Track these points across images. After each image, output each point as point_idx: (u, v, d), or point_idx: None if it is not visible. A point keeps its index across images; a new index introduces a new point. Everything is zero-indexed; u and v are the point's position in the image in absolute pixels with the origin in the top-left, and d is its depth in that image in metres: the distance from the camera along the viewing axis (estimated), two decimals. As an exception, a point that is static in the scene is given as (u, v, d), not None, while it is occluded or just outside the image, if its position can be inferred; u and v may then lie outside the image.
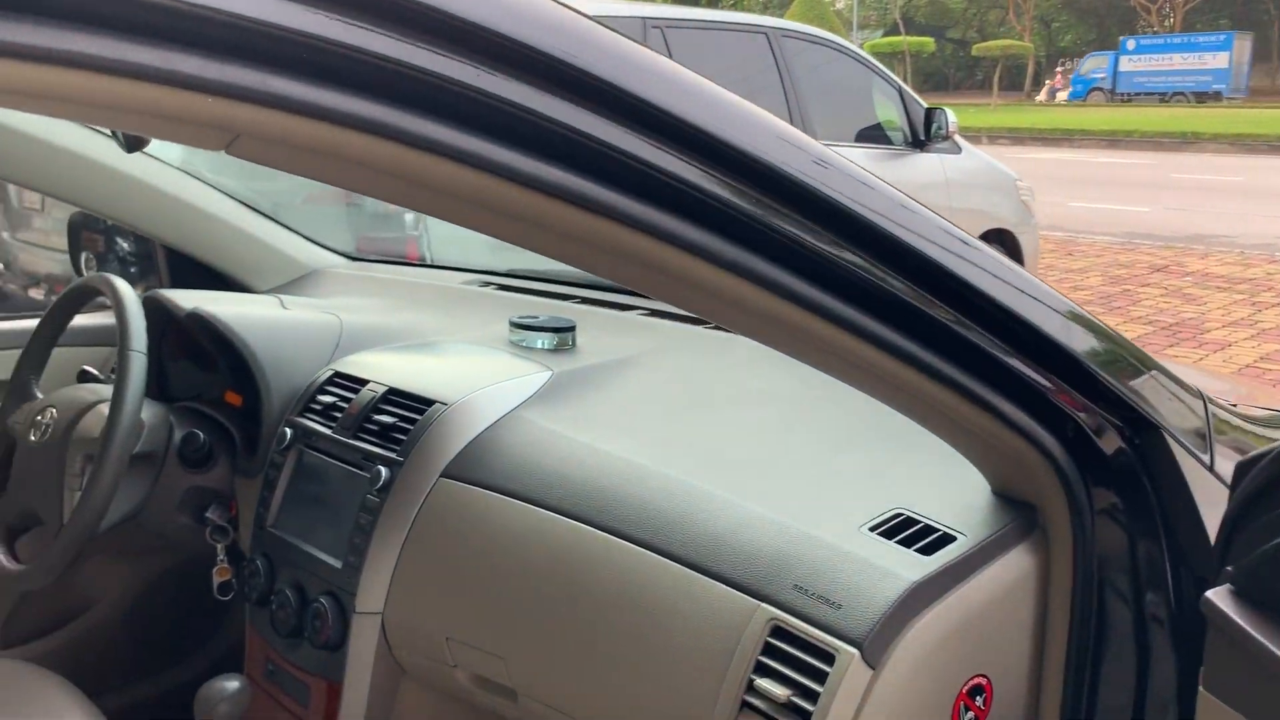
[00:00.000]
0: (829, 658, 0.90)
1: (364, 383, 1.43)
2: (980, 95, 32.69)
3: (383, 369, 1.46)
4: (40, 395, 1.57)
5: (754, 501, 1.06)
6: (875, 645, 0.89)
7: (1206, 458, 0.95)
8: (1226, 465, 0.88)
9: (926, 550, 0.96)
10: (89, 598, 1.86)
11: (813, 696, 0.90)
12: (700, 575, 1.01)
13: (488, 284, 1.87)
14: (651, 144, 0.64)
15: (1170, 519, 0.93)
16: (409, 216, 3.13)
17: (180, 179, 1.84)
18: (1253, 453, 0.78)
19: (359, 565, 1.27)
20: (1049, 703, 0.97)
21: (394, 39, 0.55)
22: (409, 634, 1.26)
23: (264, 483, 1.46)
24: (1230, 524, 0.79)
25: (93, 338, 1.79)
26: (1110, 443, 0.90)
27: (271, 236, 1.97)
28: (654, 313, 1.62)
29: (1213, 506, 0.88)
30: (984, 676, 0.95)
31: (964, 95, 34.44)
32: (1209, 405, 1.02)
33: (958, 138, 5.68)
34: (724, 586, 0.99)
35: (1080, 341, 0.84)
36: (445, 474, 1.26)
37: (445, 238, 2.96)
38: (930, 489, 1.04)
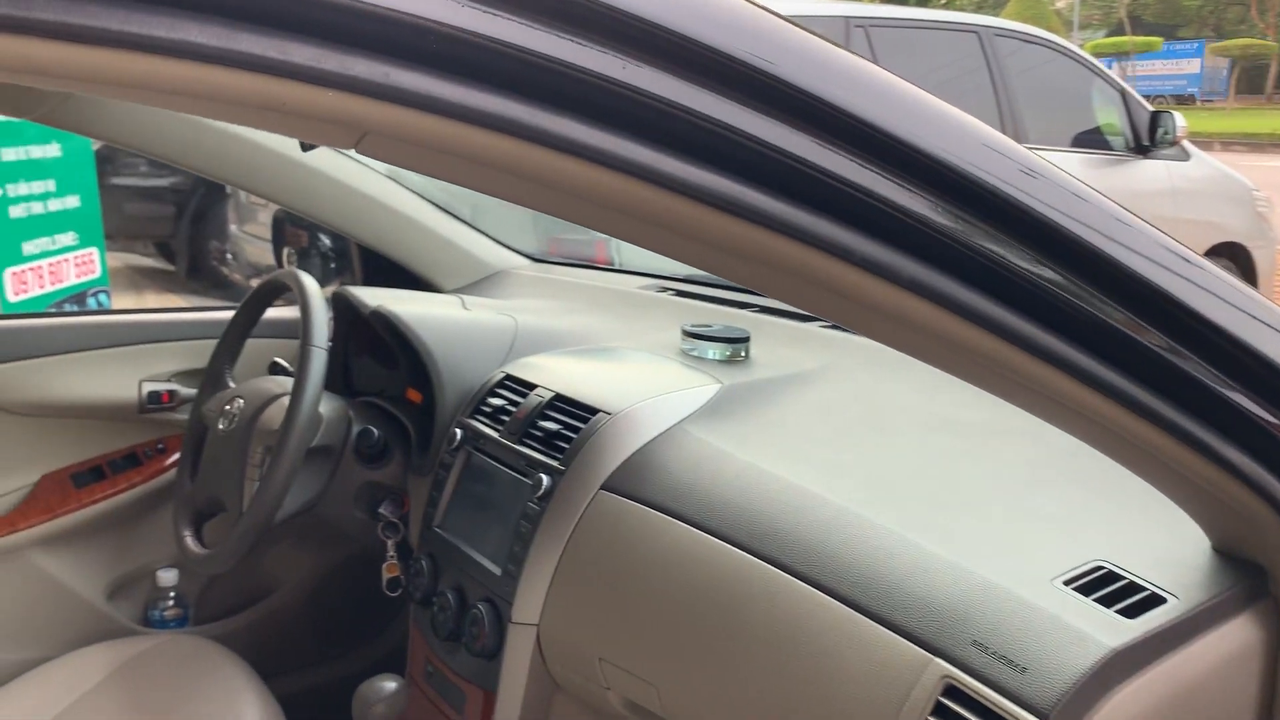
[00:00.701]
0: (1008, 727, 0.80)
1: (532, 387, 1.41)
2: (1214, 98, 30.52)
3: (552, 373, 1.44)
4: (233, 384, 1.63)
5: (932, 541, 0.96)
6: (1063, 718, 0.78)
7: None
8: None
9: (1130, 612, 0.84)
10: (273, 583, 1.93)
11: (987, 768, 0.80)
12: (868, 620, 0.93)
13: (665, 289, 1.82)
14: (825, 145, 0.57)
15: None
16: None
17: (377, 180, 1.88)
18: None
19: (517, 574, 1.25)
20: None
21: (534, 28, 0.50)
22: (563, 649, 1.23)
23: (433, 482, 1.46)
24: None
25: (285, 330, 1.86)
26: None
27: (460, 238, 1.99)
28: (836, 325, 1.54)
29: None
30: None
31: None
32: None
33: (1186, 143, 5.26)
34: (893, 635, 0.90)
35: None
36: (605, 486, 1.21)
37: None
38: (1137, 541, 0.92)
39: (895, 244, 0.59)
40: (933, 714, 0.85)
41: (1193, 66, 29.79)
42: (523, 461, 1.32)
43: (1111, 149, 5.13)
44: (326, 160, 1.81)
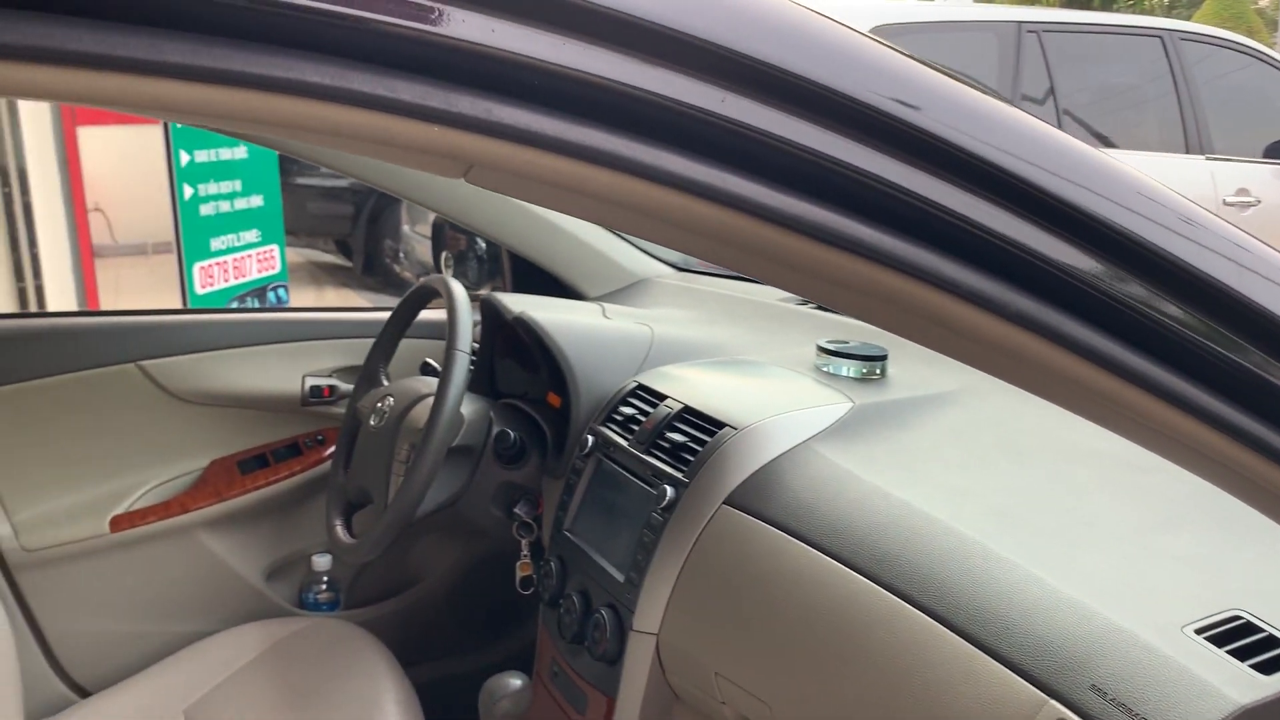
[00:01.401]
0: (1124, 779, 0.77)
1: (662, 397, 1.43)
2: None
3: (682, 384, 1.45)
4: (386, 383, 1.71)
5: (1056, 577, 0.93)
6: (1182, 776, 0.75)
7: None
8: None
9: (1266, 667, 0.79)
10: (419, 574, 2.01)
11: (1100, 820, 0.77)
12: (984, 655, 0.90)
13: (805, 301, 1.81)
14: (967, 193, 0.55)
15: None
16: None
17: None
18: None
19: (639, 583, 1.27)
20: None
21: (632, 62, 0.52)
22: (681, 660, 1.24)
23: (565, 486, 1.49)
24: None
25: (437, 331, 1.93)
26: None
27: (606, 246, 2.03)
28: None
29: None
30: None
31: None
32: None
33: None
34: (1009, 672, 0.88)
35: None
36: (728, 501, 1.22)
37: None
38: (1279, 591, 0.87)
39: (1038, 293, 0.57)
40: (1044, 758, 0.82)
41: None
42: (649, 471, 1.33)
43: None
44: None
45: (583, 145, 0.53)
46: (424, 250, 6.19)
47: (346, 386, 1.90)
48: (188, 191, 3.63)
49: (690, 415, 1.36)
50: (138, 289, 3.66)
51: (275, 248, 4.11)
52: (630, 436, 1.41)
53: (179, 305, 3.75)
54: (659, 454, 1.34)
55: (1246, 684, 0.78)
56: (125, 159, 3.65)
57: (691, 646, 1.22)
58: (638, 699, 1.29)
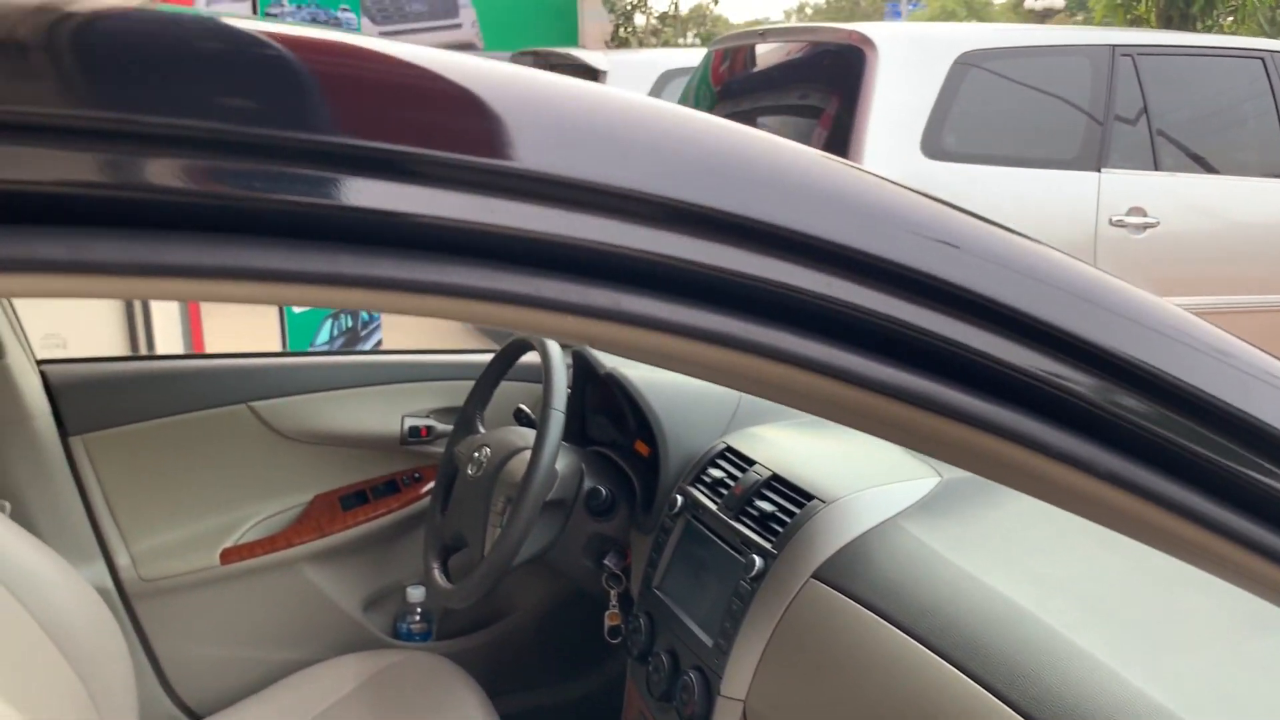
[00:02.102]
0: None
1: (751, 462, 1.47)
2: None
3: (770, 449, 1.48)
4: (482, 429, 1.78)
5: (1141, 678, 0.95)
6: None
7: None
8: None
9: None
10: (507, 607, 2.08)
11: None
12: (1068, 754, 0.93)
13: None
14: (1058, 361, 0.59)
15: None
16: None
17: None
18: None
19: (727, 649, 1.31)
20: None
21: (747, 254, 0.56)
22: (767, 727, 1.28)
23: (654, 544, 1.54)
24: None
25: (526, 374, 2.00)
26: None
27: None
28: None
29: None
30: None
31: None
32: None
33: None
34: (1093, 775, 0.90)
35: None
36: (816, 575, 1.25)
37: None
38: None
39: (1119, 448, 0.61)
40: None
41: None
42: (738, 539, 1.37)
43: None
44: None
45: (696, 328, 0.57)
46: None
47: (443, 427, 1.98)
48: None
49: (779, 484, 1.40)
50: (237, 309, 3.82)
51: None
52: (719, 500, 1.45)
53: (277, 322, 3.89)
54: (747, 521, 1.38)
55: (1333, 810, 0.79)
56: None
57: (777, 716, 1.25)
58: (723, 760, 1.33)
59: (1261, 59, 4.31)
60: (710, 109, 4.46)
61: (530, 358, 2.02)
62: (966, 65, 3.84)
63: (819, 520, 1.30)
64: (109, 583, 1.77)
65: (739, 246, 0.55)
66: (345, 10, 4.13)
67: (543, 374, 1.57)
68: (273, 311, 3.82)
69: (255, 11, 3.91)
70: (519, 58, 6.05)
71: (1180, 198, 4.09)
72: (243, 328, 4.20)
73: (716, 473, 1.50)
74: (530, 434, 1.68)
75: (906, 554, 1.21)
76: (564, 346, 1.71)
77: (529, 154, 0.49)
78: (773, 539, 1.32)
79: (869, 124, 3.61)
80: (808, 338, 0.59)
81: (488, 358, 1.85)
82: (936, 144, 3.74)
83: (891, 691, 1.10)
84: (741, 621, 1.30)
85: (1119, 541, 1.21)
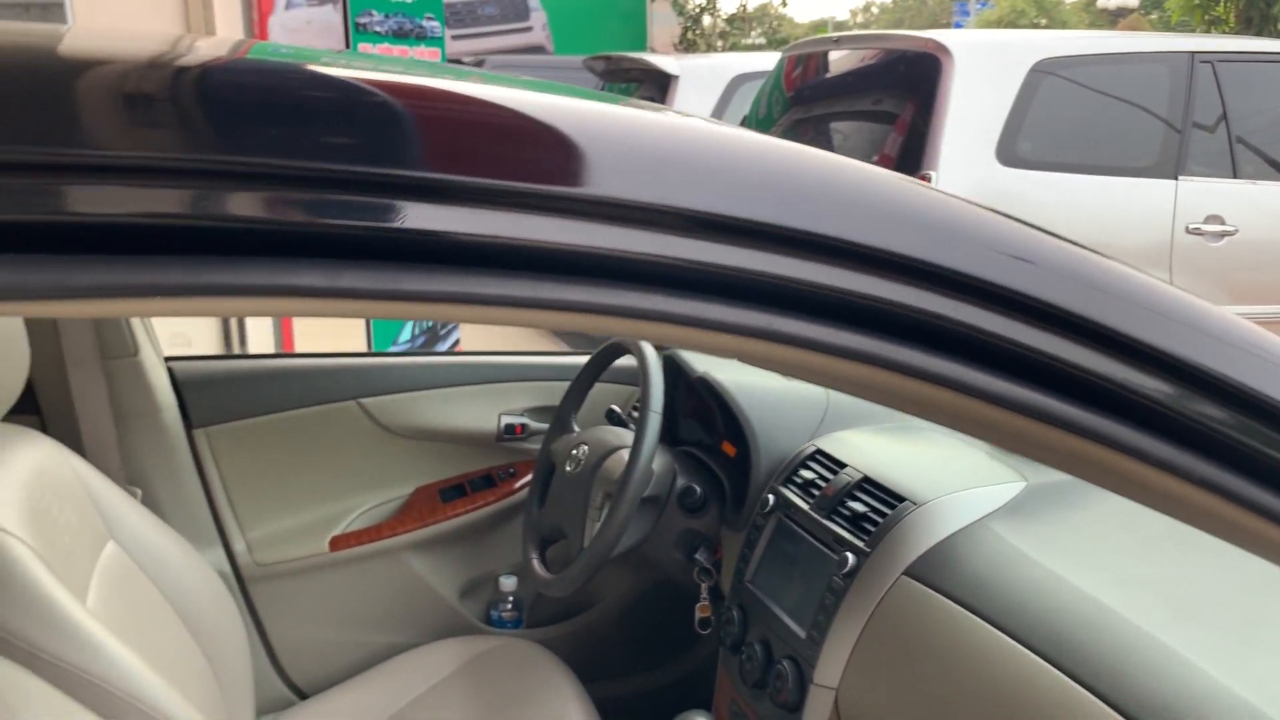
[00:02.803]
0: None
1: (842, 465, 1.54)
2: None
3: (860, 453, 1.55)
4: (577, 429, 1.87)
5: (1231, 678, 1.00)
6: None
7: None
8: None
9: None
10: (596, 596, 2.17)
11: None
12: (1156, 745, 0.98)
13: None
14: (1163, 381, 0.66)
15: None
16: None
17: None
18: None
19: (820, 640, 1.38)
20: None
21: (884, 281, 0.64)
22: (859, 716, 1.35)
23: (746, 540, 1.62)
24: None
25: (619, 376, 2.08)
26: None
27: None
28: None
29: None
30: None
31: None
32: None
33: None
34: (1180, 764, 0.96)
35: None
36: (907, 572, 1.32)
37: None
38: None
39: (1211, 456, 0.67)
40: None
41: None
42: (830, 537, 1.45)
43: None
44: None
45: (829, 344, 0.65)
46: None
47: (536, 425, 2.07)
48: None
49: (870, 485, 1.46)
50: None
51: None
52: (811, 500, 1.52)
53: (362, 322, 4.03)
54: (839, 520, 1.45)
55: None
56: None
57: (869, 705, 1.32)
58: (816, 746, 1.40)
59: (1345, 65, 4.26)
60: (783, 114, 4.52)
61: (621, 361, 2.11)
62: (1042, 73, 3.85)
63: (911, 521, 1.36)
64: (227, 567, 1.89)
65: (886, 278, 0.62)
66: (430, 19, 4.26)
67: (640, 377, 1.65)
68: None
69: (346, 19, 4.05)
70: (592, 62, 6.15)
71: (1259, 205, 4.06)
72: (327, 328, 4.35)
73: (808, 474, 1.57)
74: (625, 433, 1.77)
75: (995, 554, 1.27)
76: (657, 350, 1.79)
77: (717, 200, 0.58)
78: (865, 537, 1.39)
79: (944, 131, 3.65)
80: (937, 355, 0.67)
81: (577, 360, 1.94)
82: (1012, 151, 3.77)
83: (980, 681, 1.17)
84: (834, 614, 1.37)
85: (1199, 543, 1.26)
